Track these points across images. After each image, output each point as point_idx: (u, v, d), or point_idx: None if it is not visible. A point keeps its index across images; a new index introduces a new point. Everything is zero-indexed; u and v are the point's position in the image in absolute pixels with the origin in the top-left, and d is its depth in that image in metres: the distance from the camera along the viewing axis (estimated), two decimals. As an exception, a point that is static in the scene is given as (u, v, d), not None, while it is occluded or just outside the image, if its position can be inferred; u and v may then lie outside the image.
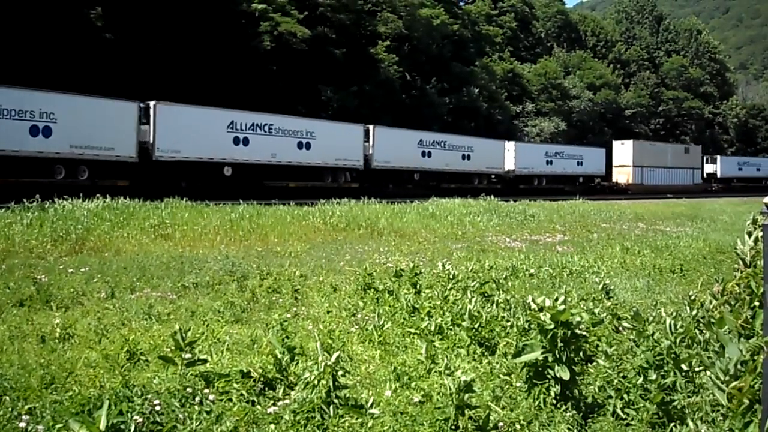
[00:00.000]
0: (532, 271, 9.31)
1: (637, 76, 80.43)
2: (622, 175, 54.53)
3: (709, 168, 64.92)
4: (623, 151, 55.45)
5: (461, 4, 61.22)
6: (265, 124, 31.10)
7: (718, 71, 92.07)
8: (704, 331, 4.65)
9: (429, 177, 39.57)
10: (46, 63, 28.13)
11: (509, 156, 45.00)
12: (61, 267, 9.09)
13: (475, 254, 11.86)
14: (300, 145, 32.63)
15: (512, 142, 46.03)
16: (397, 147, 37.18)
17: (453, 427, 3.62)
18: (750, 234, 4.77)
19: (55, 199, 16.04)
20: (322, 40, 41.04)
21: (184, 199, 18.77)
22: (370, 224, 16.41)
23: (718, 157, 66.11)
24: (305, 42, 39.26)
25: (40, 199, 15.65)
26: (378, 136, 36.24)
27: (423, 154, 39.13)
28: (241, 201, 19.34)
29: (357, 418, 3.72)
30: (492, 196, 26.92)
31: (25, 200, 15.23)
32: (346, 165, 35.00)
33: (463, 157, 41.66)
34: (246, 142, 30.26)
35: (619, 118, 72.43)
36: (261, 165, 30.93)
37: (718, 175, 64.06)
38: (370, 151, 35.89)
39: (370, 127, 36.08)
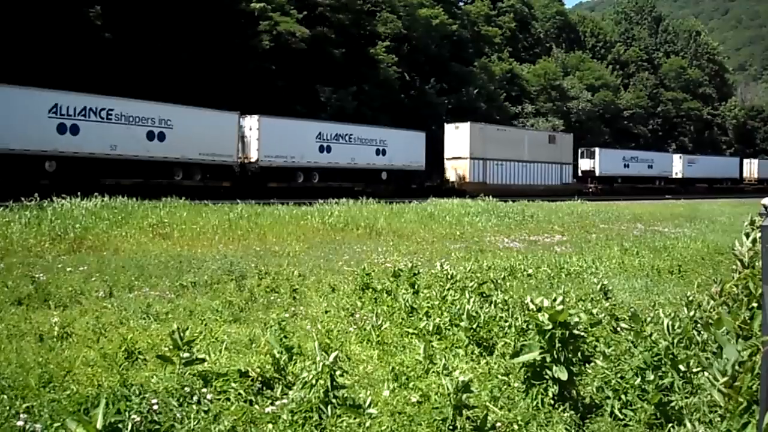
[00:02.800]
0: (530, 271, 9.31)
1: (636, 76, 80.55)
2: (456, 170, 41.38)
3: (585, 163, 53.73)
4: (458, 137, 41.49)
5: (460, 4, 61.29)
6: (103, 109, 25.84)
7: (717, 72, 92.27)
8: (702, 332, 4.65)
9: (330, 175, 34.81)
10: (44, 61, 28.11)
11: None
12: (59, 266, 9.09)
13: (474, 254, 11.86)
14: (151, 136, 27.70)
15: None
16: (288, 140, 32.34)
17: (451, 428, 3.62)
18: (747, 235, 4.77)
19: (54, 198, 16.03)
20: (322, 40, 41.03)
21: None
22: (369, 224, 16.41)
23: (597, 149, 54.41)
24: (304, 42, 39.27)
25: (38, 198, 15.65)
26: (264, 128, 31.50)
27: (321, 149, 34.36)
28: (239, 201, 19.39)
29: (355, 418, 3.72)
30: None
31: (23, 198, 15.22)
32: (214, 161, 29.85)
33: (377, 152, 37.22)
34: (75, 130, 25.09)
35: (618, 118, 72.53)
36: (96, 159, 25.72)
37: (597, 173, 52.89)
38: (253, 145, 31.41)
39: (252, 116, 31.56)
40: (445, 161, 42.03)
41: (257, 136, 31.37)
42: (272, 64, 37.91)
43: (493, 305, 6.39)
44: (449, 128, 42.15)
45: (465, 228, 17.35)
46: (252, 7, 37.90)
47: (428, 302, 6.52)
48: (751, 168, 69.27)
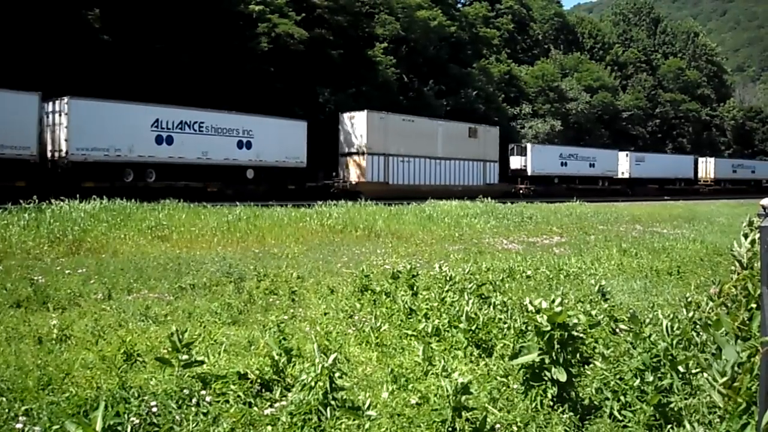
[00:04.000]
0: (529, 273, 9.31)
1: (634, 78, 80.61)
2: (352, 168, 35.32)
3: (515, 161, 47.82)
4: (354, 129, 35.31)
5: (459, 6, 61.25)
6: None
7: (715, 73, 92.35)
8: (701, 333, 4.66)
9: (173, 173, 28.57)
10: (43, 64, 28.07)
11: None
12: (58, 268, 9.08)
13: (472, 256, 11.86)
14: None
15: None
16: (111, 129, 26.14)
17: (450, 429, 3.62)
18: (746, 236, 4.78)
19: (52, 200, 16.02)
20: (320, 42, 41.01)
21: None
22: (368, 226, 16.42)
23: (529, 145, 48.62)
24: (303, 43, 39.23)
25: (36, 200, 15.65)
26: (75, 113, 25.15)
27: (160, 139, 28.03)
28: (237, 203, 19.37)
29: (354, 420, 3.72)
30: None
31: (21, 201, 15.21)
32: (3, 155, 23.53)
33: (241, 144, 31.22)
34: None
35: (616, 120, 72.58)
36: None
37: (529, 172, 47.05)
38: (62, 135, 25.31)
39: (62, 99, 25.38)
40: (340, 158, 35.93)
41: (66, 124, 25.21)
42: (271, 66, 37.88)
43: (492, 307, 6.40)
44: (345, 118, 35.95)
45: (464, 229, 17.35)
46: (250, 9, 37.90)
47: (427, 304, 6.52)
48: (707, 167, 64.89)
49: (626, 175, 55.46)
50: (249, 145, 31.26)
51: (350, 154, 35.55)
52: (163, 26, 32.93)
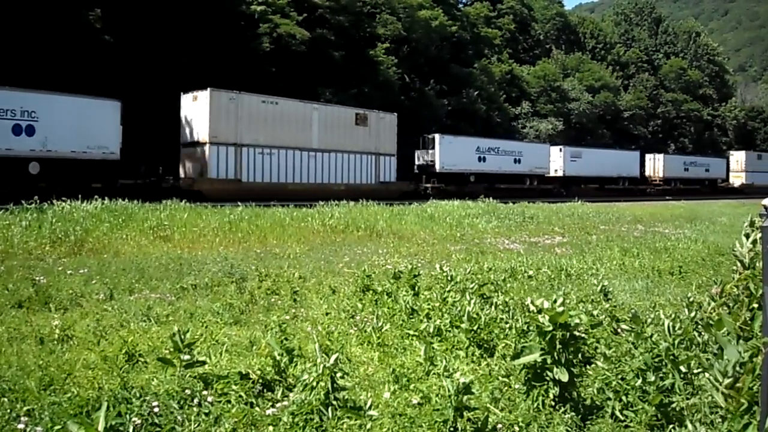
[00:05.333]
0: (530, 272, 9.31)
1: (636, 78, 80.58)
2: (190, 162, 28.70)
3: (422, 156, 40.68)
4: (195, 113, 28.42)
5: (460, 6, 61.30)
6: None
7: (717, 73, 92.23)
8: (703, 333, 4.65)
9: None
10: (43, 64, 28.10)
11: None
12: (59, 268, 9.09)
13: (474, 256, 11.86)
14: None
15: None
16: None
17: (452, 429, 3.62)
18: (748, 236, 4.77)
19: (54, 201, 16.02)
20: (321, 42, 41.05)
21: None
22: (369, 226, 16.42)
23: (437, 136, 40.17)
24: (304, 44, 39.28)
25: (38, 200, 15.65)
26: None
27: None
28: (239, 203, 19.34)
29: (355, 420, 3.72)
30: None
31: (23, 201, 15.22)
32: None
33: (17, 130, 23.78)
34: None
35: (618, 120, 72.55)
36: None
37: (438, 168, 39.86)
38: None
39: None
40: (182, 149, 29.13)
41: None
42: (272, 67, 37.93)
43: (493, 307, 6.40)
44: (186, 99, 28.78)
45: (465, 230, 17.35)
46: (252, 9, 37.94)
47: (429, 304, 6.52)
48: (655, 165, 58.55)
49: (560, 173, 48.70)
50: (30, 131, 23.88)
51: (192, 144, 28.42)
52: (164, 26, 32.96)
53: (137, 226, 13.80)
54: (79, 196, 17.65)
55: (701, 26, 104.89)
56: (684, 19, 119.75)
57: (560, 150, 49.03)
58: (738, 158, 65.85)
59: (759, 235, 4.45)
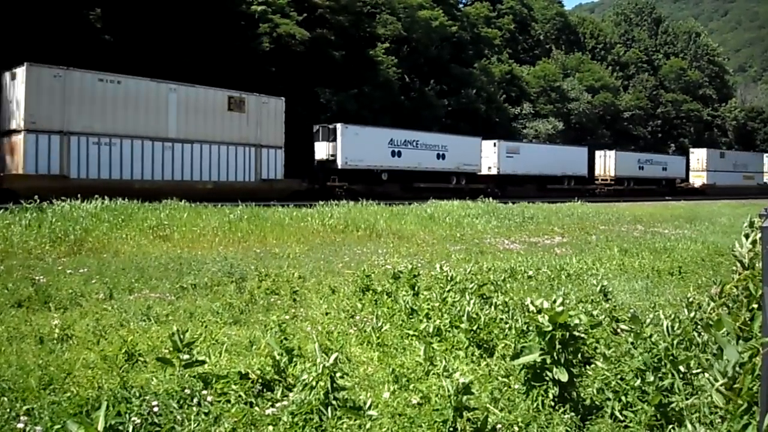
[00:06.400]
0: (530, 273, 9.31)
1: (636, 78, 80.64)
2: (11, 157, 22.91)
3: (322, 149, 34.75)
4: (13, 93, 23.02)
5: (460, 6, 61.34)
6: None
7: (716, 73, 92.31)
8: (702, 334, 4.65)
9: None
10: (43, 64, 28.08)
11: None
12: (59, 268, 9.10)
13: (474, 256, 11.87)
14: None
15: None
16: None
17: (451, 429, 3.62)
18: (747, 236, 4.77)
19: (54, 201, 16.02)
20: (321, 42, 41.05)
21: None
22: (369, 226, 16.42)
23: (339, 126, 34.59)
24: (304, 44, 39.27)
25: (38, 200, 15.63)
26: None
27: None
28: (239, 202, 19.30)
29: (355, 420, 3.72)
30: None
31: (22, 201, 15.22)
32: None
33: None
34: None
35: (618, 120, 72.59)
36: None
37: (340, 164, 34.29)
38: None
39: None
40: (2, 138, 23.60)
41: None
42: (272, 67, 37.92)
43: (493, 307, 6.39)
44: (6, 77, 23.51)
45: (465, 230, 17.36)
46: (252, 9, 37.94)
47: (428, 304, 6.51)
48: (605, 163, 53.23)
49: (494, 171, 43.21)
50: None
51: (8, 132, 23.16)
52: (164, 26, 32.96)
53: (137, 225, 13.80)
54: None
55: (701, 26, 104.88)
56: (684, 19, 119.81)
57: (494, 145, 43.49)
58: (699, 156, 60.28)
59: (758, 235, 4.46)
